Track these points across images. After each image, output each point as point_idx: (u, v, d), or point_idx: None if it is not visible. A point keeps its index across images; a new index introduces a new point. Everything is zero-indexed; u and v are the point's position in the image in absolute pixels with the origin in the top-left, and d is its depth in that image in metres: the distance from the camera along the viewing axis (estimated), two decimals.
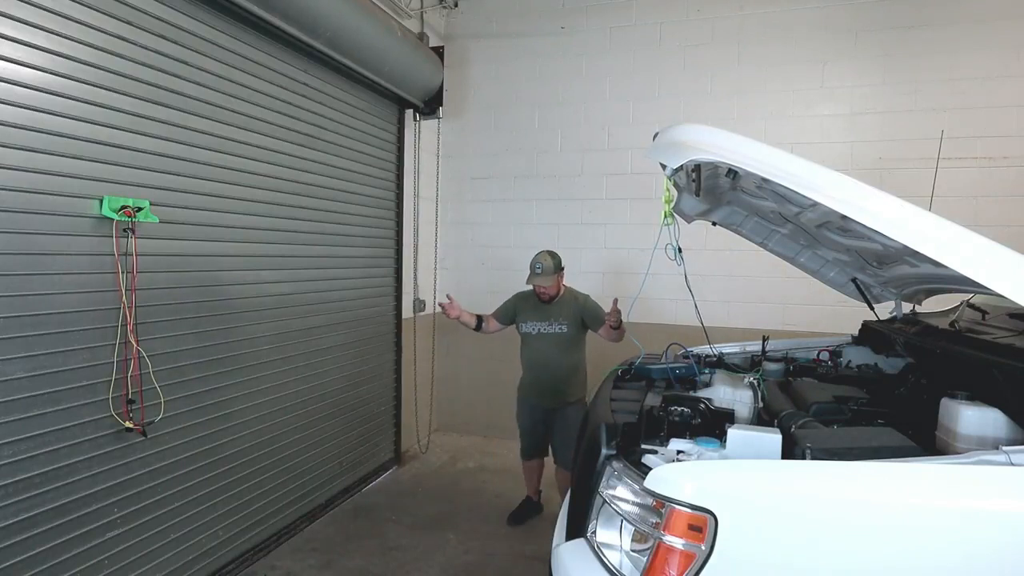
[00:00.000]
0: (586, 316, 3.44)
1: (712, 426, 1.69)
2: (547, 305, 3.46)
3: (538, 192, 5.03)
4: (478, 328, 3.60)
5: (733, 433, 1.52)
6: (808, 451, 1.41)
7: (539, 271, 3.35)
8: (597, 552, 1.55)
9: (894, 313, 2.71)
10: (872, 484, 1.29)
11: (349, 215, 3.92)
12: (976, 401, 1.53)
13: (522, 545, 3.33)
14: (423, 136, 4.85)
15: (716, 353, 2.69)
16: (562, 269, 3.46)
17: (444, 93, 4.72)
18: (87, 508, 2.30)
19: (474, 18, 5.10)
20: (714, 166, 1.77)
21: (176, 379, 2.65)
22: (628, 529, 1.50)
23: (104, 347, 2.32)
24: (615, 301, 3.25)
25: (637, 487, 1.47)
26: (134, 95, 2.42)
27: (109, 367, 2.32)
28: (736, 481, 1.37)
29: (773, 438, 1.50)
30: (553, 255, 3.41)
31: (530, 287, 3.46)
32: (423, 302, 4.92)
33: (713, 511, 1.31)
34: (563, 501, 3.50)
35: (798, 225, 2.22)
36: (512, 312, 3.58)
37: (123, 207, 2.33)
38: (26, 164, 2.05)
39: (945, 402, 1.59)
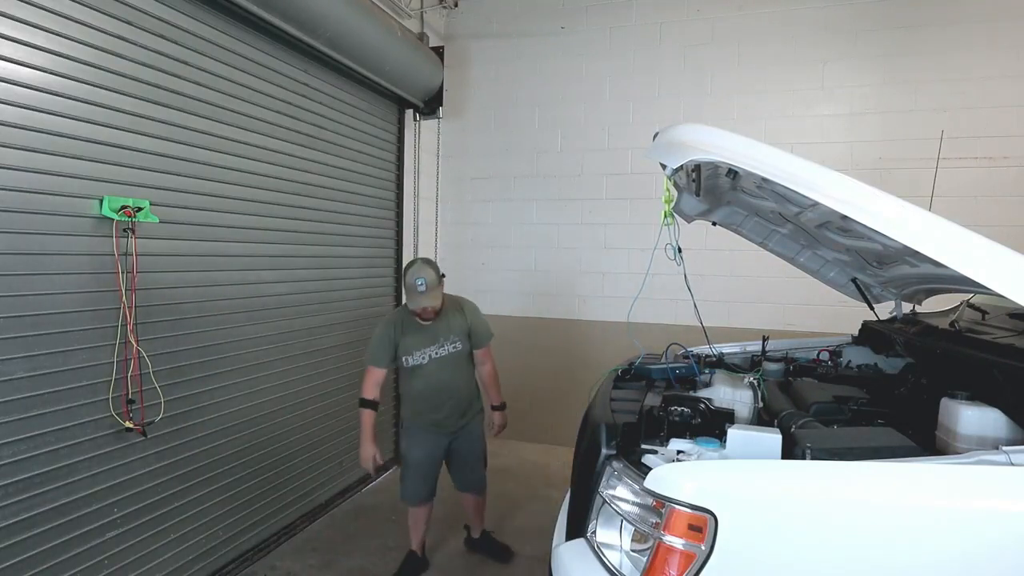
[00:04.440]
0: (473, 331, 2.93)
1: (712, 426, 1.68)
2: (430, 324, 2.81)
3: (538, 192, 5.03)
4: (377, 404, 2.89)
5: (733, 433, 1.52)
6: (808, 451, 1.41)
7: (422, 288, 2.65)
8: (597, 552, 1.55)
9: (894, 313, 2.71)
10: (872, 484, 1.29)
11: (349, 215, 3.92)
12: (976, 401, 1.53)
13: (522, 545, 3.32)
14: (423, 136, 4.85)
15: (716, 353, 2.69)
16: (443, 276, 2.82)
17: (444, 93, 4.73)
18: (87, 508, 2.30)
19: (474, 18, 5.10)
20: (714, 166, 1.77)
21: (176, 379, 2.65)
22: (628, 529, 1.50)
23: (104, 347, 2.32)
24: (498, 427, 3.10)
25: (637, 487, 1.47)
26: (134, 95, 2.42)
27: (109, 367, 2.32)
28: (736, 481, 1.36)
29: (773, 438, 1.50)
30: (430, 263, 2.76)
31: (401, 308, 2.86)
32: None
33: (713, 511, 1.31)
34: (473, 530, 3.19)
35: (798, 225, 2.22)
36: (391, 347, 2.84)
37: (123, 207, 2.33)
38: (26, 164, 2.05)
39: (945, 402, 1.59)
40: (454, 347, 2.87)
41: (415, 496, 2.99)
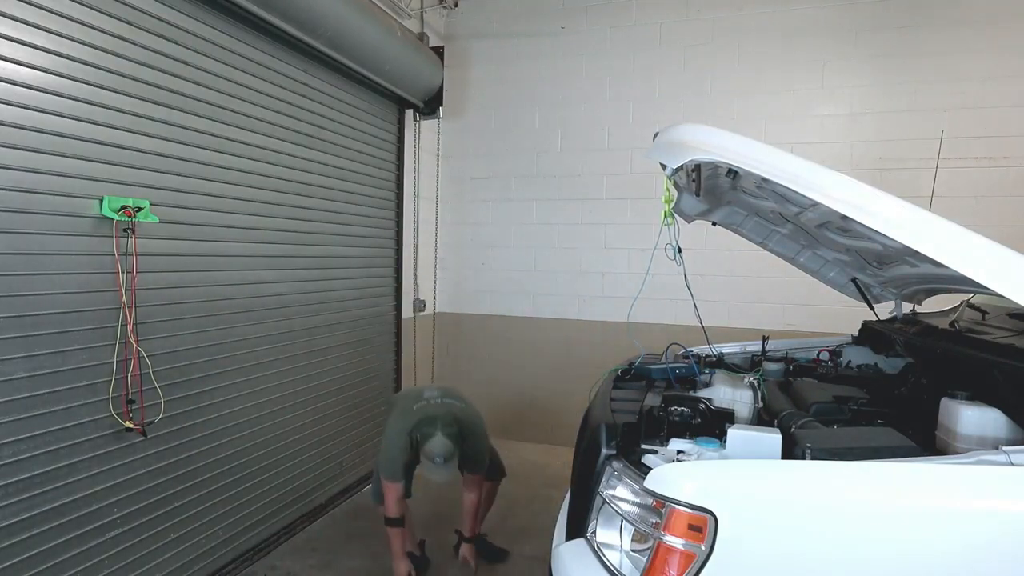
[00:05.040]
0: (467, 458, 2.79)
1: (712, 426, 1.69)
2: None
3: (538, 192, 5.03)
4: (403, 521, 2.84)
5: (733, 433, 1.52)
6: (808, 451, 1.41)
7: (439, 462, 2.62)
8: (597, 552, 1.55)
9: (894, 313, 2.71)
10: (872, 484, 1.29)
11: (349, 215, 3.92)
12: (976, 401, 1.53)
13: (521, 545, 3.32)
14: (423, 136, 4.85)
15: (716, 353, 2.69)
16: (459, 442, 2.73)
17: (444, 93, 4.73)
18: (87, 508, 2.30)
19: (474, 18, 5.10)
20: (714, 166, 1.77)
21: (176, 379, 2.65)
22: (628, 529, 1.50)
23: (104, 347, 2.32)
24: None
25: (637, 487, 1.47)
26: (134, 95, 2.42)
27: (109, 367, 2.32)
28: (736, 481, 1.37)
29: (773, 438, 1.50)
30: (449, 430, 2.68)
31: (408, 414, 2.78)
32: (423, 302, 4.92)
33: (713, 511, 1.31)
34: (466, 532, 2.98)
35: (798, 225, 2.22)
36: (403, 460, 2.75)
37: (123, 207, 2.33)
38: (26, 164, 2.05)
39: (945, 402, 1.59)
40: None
41: (397, 471, 2.75)
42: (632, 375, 2.32)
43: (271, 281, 3.26)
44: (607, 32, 4.80)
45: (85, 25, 2.22)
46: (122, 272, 2.34)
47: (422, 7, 4.77)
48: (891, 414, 1.80)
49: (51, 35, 2.11)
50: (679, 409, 1.70)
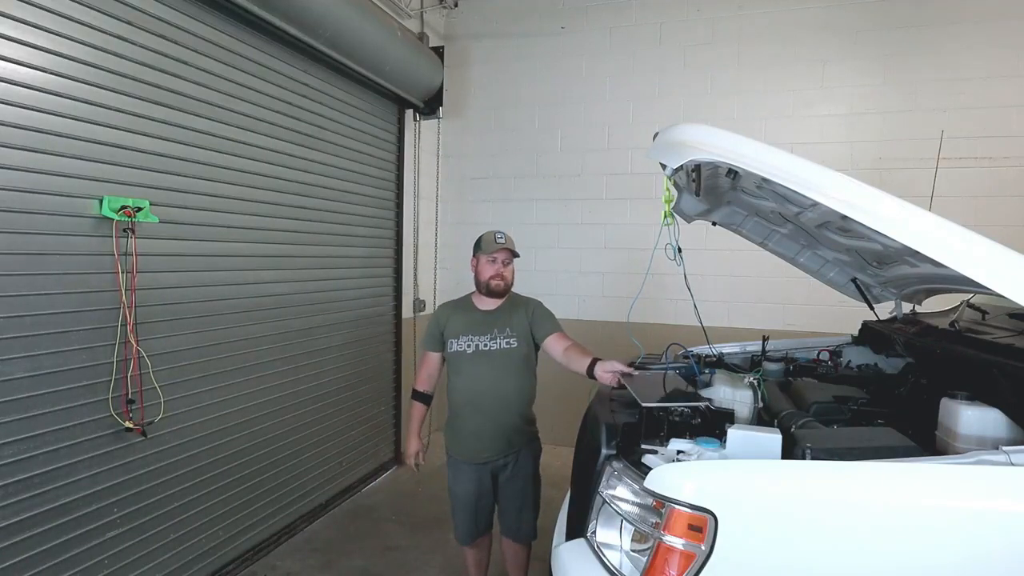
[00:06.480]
0: (536, 324, 2.53)
1: (712, 426, 1.68)
2: (486, 313, 2.53)
3: (538, 192, 5.03)
4: (430, 399, 2.69)
5: (733, 433, 1.52)
6: (808, 451, 1.41)
7: (501, 240, 2.50)
8: (597, 552, 1.55)
9: (894, 313, 2.71)
10: (872, 484, 1.29)
11: (349, 215, 3.92)
12: (976, 401, 1.53)
13: None
14: (423, 136, 4.85)
15: (716, 353, 2.69)
16: (516, 256, 2.57)
17: (444, 93, 4.73)
18: (87, 508, 2.30)
19: (474, 18, 5.10)
20: (714, 166, 1.77)
21: (176, 379, 2.65)
22: (628, 529, 1.50)
23: (104, 347, 2.32)
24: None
25: (637, 487, 1.48)
26: (134, 95, 2.42)
27: (109, 367, 2.32)
28: (736, 481, 1.36)
29: (773, 438, 1.50)
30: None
31: (464, 296, 2.65)
32: (423, 302, 4.92)
33: (713, 511, 1.30)
34: None
35: (798, 225, 2.22)
36: (440, 329, 2.57)
37: (123, 207, 2.33)
38: (26, 164, 2.05)
39: (945, 402, 1.59)
40: (507, 343, 2.48)
41: (465, 534, 2.64)
42: None
43: (271, 281, 3.26)
44: (607, 32, 4.79)
45: (85, 25, 2.22)
46: (122, 272, 2.34)
47: (422, 7, 4.77)
48: (891, 414, 1.80)
49: (51, 35, 2.11)
50: (679, 409, 1.70)
